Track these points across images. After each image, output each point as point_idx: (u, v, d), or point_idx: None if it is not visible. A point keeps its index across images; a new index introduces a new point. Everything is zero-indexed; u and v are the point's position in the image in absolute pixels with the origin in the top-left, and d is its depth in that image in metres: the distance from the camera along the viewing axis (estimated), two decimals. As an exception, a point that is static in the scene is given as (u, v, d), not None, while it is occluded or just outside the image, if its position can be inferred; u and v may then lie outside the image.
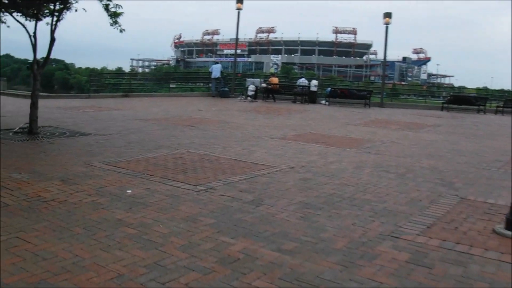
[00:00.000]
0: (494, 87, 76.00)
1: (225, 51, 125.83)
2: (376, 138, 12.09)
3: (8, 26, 11.49)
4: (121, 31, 10.84)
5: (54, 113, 14.36)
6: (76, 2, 10.39)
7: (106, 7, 10.49)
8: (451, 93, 29.70)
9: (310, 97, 24.06)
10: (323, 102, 24.06)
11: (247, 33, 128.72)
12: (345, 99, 24.21)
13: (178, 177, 6.72)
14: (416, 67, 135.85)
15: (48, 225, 4.54)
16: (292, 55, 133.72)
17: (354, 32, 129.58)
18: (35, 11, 10.20)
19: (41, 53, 10.61)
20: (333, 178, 7.10)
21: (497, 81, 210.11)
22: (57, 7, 10.23)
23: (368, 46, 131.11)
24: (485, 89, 64.10)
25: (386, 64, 29.26)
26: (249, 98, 23.46)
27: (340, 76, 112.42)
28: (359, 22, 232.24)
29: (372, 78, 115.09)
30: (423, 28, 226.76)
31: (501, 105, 24.70)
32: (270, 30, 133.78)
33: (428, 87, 68.21)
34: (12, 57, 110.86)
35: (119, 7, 10.56)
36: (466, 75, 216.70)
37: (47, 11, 10.42)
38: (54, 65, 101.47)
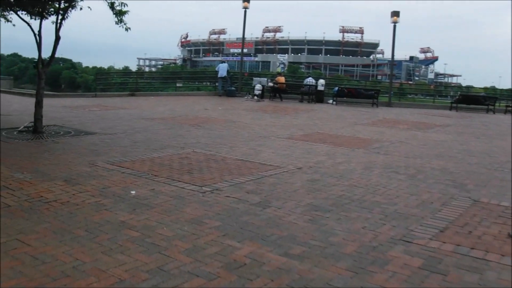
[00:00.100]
0: (502, 87, 75.41)
1: (232, 50, 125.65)
2: (384, 138, 11.92)
3: (13, 25, 11.44)
4: (126, 29, 10.73)
5: (59, 112, 14.27)
6: (82, 0, 10.29)
7: (112, 6, 10.38)
8: (459, 93, 29.48)
9: (317, 97, 23.88)
10: (330, 101, 23.88)
11: (254, 33, 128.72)
12: (353, 98, 24.02)
13: (183, 177, 6.58)
14: (423, 67, 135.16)
15: (49, 227, 4.41)
16: (299, 54, 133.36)
17: (361, 31, 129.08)
18: (40, 9, 10.10)
19: (47, 52, 10.54)
20: (341, 179, 6.94)
21: (506, 81, 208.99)
22: (62, 6, 10.13)
23: (375, 45, 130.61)
24: (493, 89, 63.64)
25: (394, 63, 28.98)
26: (255, 97, 23.33)
27: (347, 75, 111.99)
28: (365, 21, 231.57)
29: (379, 77, 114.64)
30: (430, 27, 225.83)
31: (511, 105, 24.43)
32: (277, 30, 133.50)
33: (436, 87, 67.79)
34: (20, 56, 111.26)
35: (124, 6, 10.45)
36: (474, 75, 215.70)
37: (52, 9, 10.33)
38: (61, 64, 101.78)
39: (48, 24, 10.41)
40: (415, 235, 4.63)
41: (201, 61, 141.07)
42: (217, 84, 26.47)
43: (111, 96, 22.33)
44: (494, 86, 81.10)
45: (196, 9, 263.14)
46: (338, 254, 4.06)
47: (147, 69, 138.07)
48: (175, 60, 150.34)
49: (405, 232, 4.72)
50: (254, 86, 24.17)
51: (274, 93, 23.88)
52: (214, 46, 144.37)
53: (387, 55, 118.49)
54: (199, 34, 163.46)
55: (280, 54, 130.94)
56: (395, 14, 23.93)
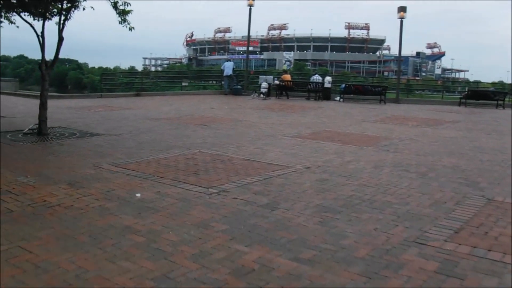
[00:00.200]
0: (510, 81, 74.88)
1: (237, 48, 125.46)
2: (393, 135, 11.74)
3: (17, 27, 11.36)
4: (130, 29, 10.60)
5: (65, 114, 14.19)
6: (84, 0, 10.18)
7: (115, 5, 10.26)
8: (467, 88, 29.19)
9: (324, 94, 23.68)
10: (337, 98, 23.68)
11: (259, 30, 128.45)
12: (360, 95, 23.81)
13: (189, 179, 6.45)
14: (430, 62, 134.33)
15: (52, 232, 4.29)
16: (305, 51, 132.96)
17: (366, 27, 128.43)
18: (43, 10, 10.00)
19: (52, 53, 10.41)
20: (351, 179, 6.78)
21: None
22: (65, 6, 10.02)
23: (381, 41, 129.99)
24: (501, 83, 63.21)
25: (401, 59, 28.73)
26: (262, 95, 23.16)
27: (354, 72, 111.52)
28: (371, 17, 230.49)
29: (385, 73, 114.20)
30: (436, 22, 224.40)
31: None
32: (282, 27, 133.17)
33: (443, 82, 67.39)
34: (26, 57, 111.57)
35: (127, 5, 10.33)
36: (481, 70, 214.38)
37: (55, 10, 10.22)
38: (67, 65, 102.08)
39: (52, 25, 10.31)
40: (429, 237, 4.47)
41: (207, 60, 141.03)
42: (223, 82, 26.34)
43: (116, 97, 22.24)
44: (502, 81, 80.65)
45: (201, 8, 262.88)
46: (350, 258, 3.91)
47: (153, 68, 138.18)
48: (181, 59, 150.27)
49: (418, 233, 4.56)
50: (260, 84, 24.02)
51: (281, 91, 23.73)
52: (220, 45, 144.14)
53: (394, 51, 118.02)
54: (205, 33, 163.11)
55: (285, 52, 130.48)
56: (402, 9, 23.67)
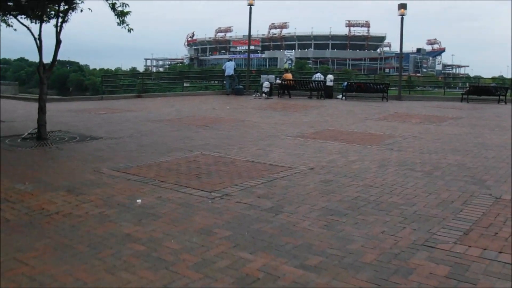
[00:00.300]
0: (510, 76, 74.62)
1: (239, 48, 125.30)
2: (397, 133, 11.60)
3: (15, 30, 11.22)
4: (129, 30, 10.47)
5: (65, 117, 14.07)
6: (82, 2, 10.06)
7: (113, 6, 10.13)
8: (468, 83, 29.03)
9: (326, 92, 23.57)
10: (340, 97, 23.55)
11: (260, 30, 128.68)
12: (362, 93, 23.68)
13: (191, 183, 6.32)
14: (430, 58, 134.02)
15: (50, 242, 4.16)
16: (306, 50, 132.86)
17: (367, 25, 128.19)
18: (40, 12, 9.87)
19: (51, 56, 10.30)
20: (356, 179, 6.65)
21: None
22: (62, 8, 9.90)
23: (382, 38, 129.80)
24: (502, 79, 62.98)
25: (402, 56, 28.58)
26: (264, 95, 23.03)
27: (355, 69, 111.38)
28: (371, 14, 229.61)
29: (386, 70, 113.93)
30: (436, 19, 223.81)
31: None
32: (283, 26, 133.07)
33: (444, 78, 67.11)
34: (27, 60, 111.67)
35: (125, 6, 10.20)
36: (482, 65, 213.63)
37: (52, 12, 10.10)
38: (68, 67, 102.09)
39: (50, 27, 10.19)
40: (438, 239, 4.33)
41: (208, 60, 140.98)
42: (224, 82, 26.21)
43: (117, 99, 22.14)
44: (502, 76, 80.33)
45: (201, 8, 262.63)
46: (358, 264, 3.78)
47: (154, 69, 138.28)
48: (182, 59, 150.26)
49: (427, 236, 4.42)
50: (262, 84, 23.88)
51: (283, 90, 23.60)
52: (221, 44, 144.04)
53: (394, 48, 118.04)
54: (205, 32, 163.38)
55: (287, 50, 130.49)
56: (402, 6, 23.54)
